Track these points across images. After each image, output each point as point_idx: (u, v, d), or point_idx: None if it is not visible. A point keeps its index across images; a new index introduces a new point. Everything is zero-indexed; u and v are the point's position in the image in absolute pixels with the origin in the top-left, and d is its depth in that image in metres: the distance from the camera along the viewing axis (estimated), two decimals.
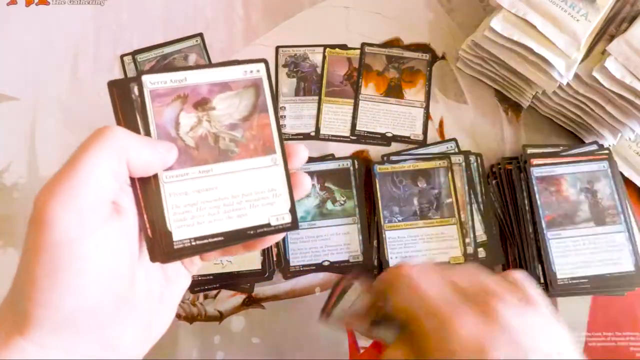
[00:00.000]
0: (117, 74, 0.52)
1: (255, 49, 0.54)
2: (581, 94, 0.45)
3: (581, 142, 0.50)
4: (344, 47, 0.53)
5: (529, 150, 0.47)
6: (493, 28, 0.44)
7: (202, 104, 0.25)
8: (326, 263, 0.45)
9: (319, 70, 0.53)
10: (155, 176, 0.24)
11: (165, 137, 0.25)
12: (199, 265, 0.30)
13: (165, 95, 0.25)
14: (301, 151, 0.27)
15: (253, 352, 0.43)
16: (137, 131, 0.25)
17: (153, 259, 0.24)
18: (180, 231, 0.24)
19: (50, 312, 0.21)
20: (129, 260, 0.23)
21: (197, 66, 0.26)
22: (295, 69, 0.53)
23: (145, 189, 0.24)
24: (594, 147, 0.47)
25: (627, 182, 0.47)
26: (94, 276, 0.21)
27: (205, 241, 0.25)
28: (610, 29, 0.44)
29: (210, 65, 0.26)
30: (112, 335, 0.23)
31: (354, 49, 0.53)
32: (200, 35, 0.53)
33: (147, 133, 0.25)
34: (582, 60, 0.43)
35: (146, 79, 0.25)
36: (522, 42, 0.43)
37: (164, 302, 0.27)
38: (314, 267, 0.45)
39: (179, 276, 0.28)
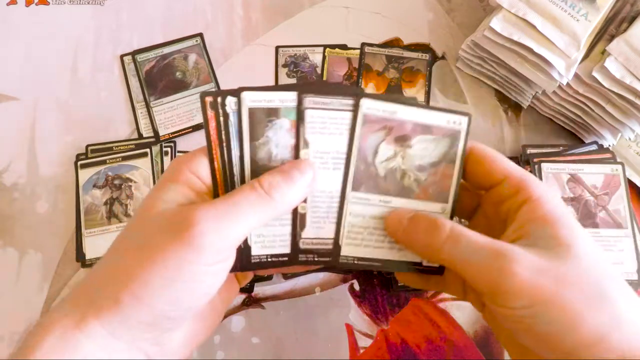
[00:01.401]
0: (117, 74, 0.52)
1: (255, 49, 0.54)
2: (581, 94, 0.45)
3: (581, 142, 0.50)
4: (344, 47, 0.53)
5: (529, 150, 0.47)
6: (493, 28, 0.44)
7: (402, 140, 0.27)
8: None
9: (318, 70, 0.53)
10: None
11: (362, 160, 0.27)
12: (249, 279, 0.31)
13: (375, 122, 0.26)
14: None
15: (253, 352, 0.43)
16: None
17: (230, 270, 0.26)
18: (346, 248, 0.27)
19: (143, 309, 0.22)
20: (222, 284, 0.25)
21: (408, 102, 0.26)
22: (295, 69, 0.53)
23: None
24: (594, 147, 0.47)
25: (628, 182, 0.47)
26: (198, 296, 0.23)
27: (365, 262, 0.27)
28: (610, 29, 0.44)
29: (419, 105, 0.27)
30: (166, 335, 0.25)
31: (354, 49, 0.53)
32: (200, 35, 0.53)
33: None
34: (582, 60, 0.43)
35: (363, 102, 0.26)
36: (522, 42, 0.43)
37: (213, 310, 0.28)
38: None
39: (230, 287, 0.30)
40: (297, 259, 0.27)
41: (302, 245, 0.27)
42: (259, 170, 0.26)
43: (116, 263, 0.23)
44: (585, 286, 0.22)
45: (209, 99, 0.26)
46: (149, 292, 0.22)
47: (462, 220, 0.31)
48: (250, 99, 0.26)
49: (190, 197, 0.25)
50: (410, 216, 0.26)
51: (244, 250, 0.27)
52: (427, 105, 0.27)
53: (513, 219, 0.25)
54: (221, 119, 0.26)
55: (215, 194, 0.26)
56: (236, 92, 0.26)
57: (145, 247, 0.22)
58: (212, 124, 0.26)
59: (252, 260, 0.27)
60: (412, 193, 0.27)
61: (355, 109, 0.26)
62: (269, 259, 0.27)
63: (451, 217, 0.27)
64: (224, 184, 0.26)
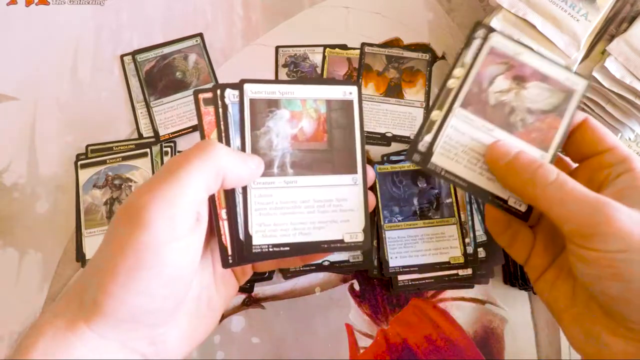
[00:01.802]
0: (117, 74, 0.52)
1: (255, 49, 0.54)
2: None
3: None
4: (343, 47, 0.53)
5: None
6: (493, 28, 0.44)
7: (519, 80, 0.28)
8: (326, 263, 0.45)
9: (318, 70, 0.53)
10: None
11: (476, 84, 0.28)
12: (248, 276, 0.31)
13: (499, 56, 0.28)
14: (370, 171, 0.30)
15: (253, 352, 0.43)
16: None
17: (225, 265, 0.26)
18: (438, 157, 0.28)
19: (119, 306, 0.22)
20: (194, 266, 0.24)
21: (534, 50, 0.28)
22: (295, 69, 0.53)
23: (232, 198, 0.26)
24: None
25: None
26: (167, 280, 0.23)
27: (451, 177, 0.28)
28: (610, 29, 0.44)
29: (543, 56, 0.28)
30: (161, 334, 0.24)
31: (354, 49, 0.53)
32: (200, 35, 0.53)
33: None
34: (582, 60, 0.43)
35: (492, 35, 0.28)
36: (521, 42, 0.43)
37: (211, 308, 0.28)
38: (314, 267, 0.45)
39: (228, 285, 0.29)
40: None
41: None
42: None
43: (94, 263, 0.23)
44: None
45: (202, 96, 0.27)
46: (118, 287, 0.22)
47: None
48: (252, 90, 0.27)
49: None
50: (516, 152, 0.26)
51: (245, 240, 0.26)
52: (551, 58, 0.28)
53: (611, 184, 0.25)
54: (220, 110, 0.27)
55: None
56: (237, 85, 0.27)
57: (110, 243, 0.23)
58: (207, 119, 0.27)
59: (254, 250, 0.26)
60: (516, 130, 0.27)
61: (484, 38, 0.28)
62: (271, 249, 0.27)
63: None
64: None
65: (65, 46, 0.53)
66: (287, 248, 0.27)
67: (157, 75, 0.52)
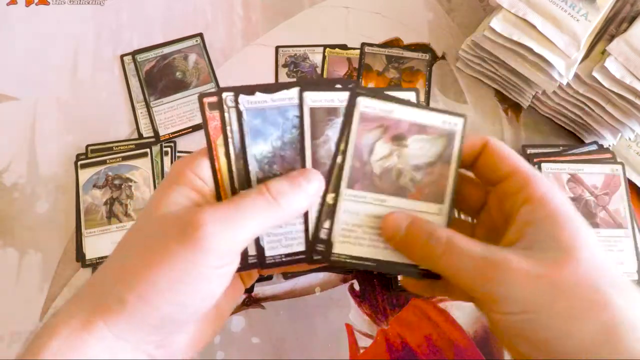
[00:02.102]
0: (117, 74, 0.52)
1: (255, 49, 0.54)
2: (581, 94, 0.45)
3: (581, 142, 0.50)
4: (344, 47, 0.53)
5: (529, 150, 0.47)
6: (493, 28, 0.44)
7: (398, 139, 0.27)
8: None
9: (319, 70, 0.53)
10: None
11: (357, 158, 0.26)
12: (254, 280, 0.31)
13: (371, 121, 0.26)
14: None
15: (253, 352, 0.43)
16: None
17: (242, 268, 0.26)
18: (339, 246, 0.26)
19: (149, 311, 0.22)
20: (227, 285, 0.24)
21: (404, 102, 0.27)
22: (295, 69, 0.53)
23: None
24: (594, 147, 0.47)
25: (628, 182, 0.47)
26: (203, 298, 0.23)
27: (358, 262, 0.27)
28: (610, 29, 0.44)
29: (415, 104, 0.27)
30: (171, 338, 0.25)
31: (354, 49, 0.53)
32: (200, 35, 0.53)
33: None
34: (582, 60, 0.43)
35: (360, 100, 0.26)
36: (522, 42, 0.43)
37: (219, 312, 0.28)
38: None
39: (235, 288, 0.30)
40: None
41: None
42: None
43: (122, 264, 0.23)
44: (581, 292, 0.21)
45: (207, 100, 0.26)
46: (155, 294, 0.22)
47: (469, 218, 0.31)
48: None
49: (194, 199, 0.25)
50: (407, 224, 0.25)
51: (325, 248, 0.26)
52: (423, 105, 0.27)
53: (514, 219, 0.24)
54: (228, 115, 0.26)
55: (217, 194, 0.26)
56: (249, 90, 0.26)
57: (151, 249, 0.22)
58: (212, 124, 0.26)
59: (332, 258, 0.26)
60: (408, 192, 0.27)
61: (350, 107, 0.26)
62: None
63: (448, 218, 0.27)
64: (230, 182, 0.26)
65: (65, 46, 0.53)
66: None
67: (157, 75, 0.52)
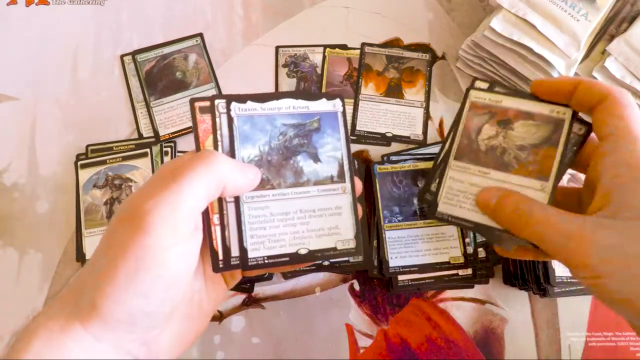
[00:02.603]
0: (117, 74, 0.52)
1: (255, 49, 0.54)
2: None
3: None
4: (344, 47, 0.53)
5: None
6: (493, 28, 0.44)
7: (505, 123, 0.30)
8: (326, 263, 0.45)
9: (319, 70, 0.53)
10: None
11: (466, 137, 0.30)
12: (237, 280, 0.31)
13: (480, 108, 0.31)
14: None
15: (253, 352, 0.43)
16: None
17: (216, 269, 0.27)
18: (443, 206, 0.30)
19: (117, 308, 0.22)
20: (192, 271, 0.25)
21: (514, 93, 0.30)
22: (295, 69, 0.53)
23: (224, 206, 0.27)
24: None
25: None
26: (166, 284, 0.23)
27: (458, 221, 0.30)
28: (610, 29, 0.44)
29: (524, 95, 0.30)
30: (154, 335, 0.25)
31: (354, 49, 0.53)
32: (200, 35, 0.53)
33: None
34: (582, 60, 0.43)
35: (471, 92, 0.31)
36: (522, 42, 0.43)
37: (202, 311, 0.28)
38: (314, 267, 0.45)
39: (218, 288, 0.30)
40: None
41: None
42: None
43: (92, 265, 0.24)
44: None
45: (199, 104, 0.28)
46: (117, 289, 0.22)
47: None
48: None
49: None
50: (498, 196, 0.28)
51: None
52: (531, 95, 0.30)
53: (600, 177, 0.25)
54: (219, 120, 0.28)
55: None
56: (241, 98, 0.28)
57: (111, 246, 0.23)
58: (202, 127, 0.28)
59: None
60: (511, 168, 0.29)
61: (464, 97, 0.31)
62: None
63: (552, 194, 0.28)
64: None
65: (65, 46, 0.53)
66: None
67: (157, 75, 0.52)
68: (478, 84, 0.31)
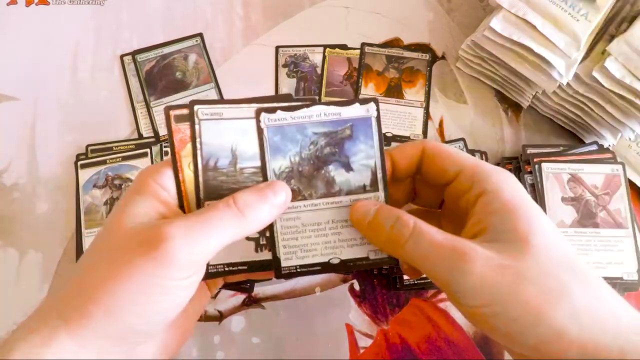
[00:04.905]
0: (117, 74, 0.52)
1: (255, 49, 0.54)
2: (581, 94, 0.45)
3: (581, 142, 0.50)
4: (344, 47, 0.53)
5: (529, 150, 0.47)
6: (493, 28, 0.44)
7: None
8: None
9: (318, 70, 0.53)
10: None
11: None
12: (219, 286, 0.32)
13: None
14: None
15: (253, 352, 0.43)
16: None
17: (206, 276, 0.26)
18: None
19: (110, 321, 0.22)
20: (191, 297, 0.25)
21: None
22: (295, 69, 0.53)
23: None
24: (594, 147, 0.47)
25: (628, 182, 0.47)
26: (165, 310, 0.23)
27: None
28: (610, 29, 0.44)
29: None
30: (138, 348, 0.25)
31: (354, 49, 0.53)
32: (200, 35, 0.53)
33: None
34: (582, 60, 0.43)
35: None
36: (521, 42, 0.43)
37: (186, 319, 0.28)
38: (319, 268, 0.45)
39: (201, 295, 0.30)
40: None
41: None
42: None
43: (85, 277, 0.23)
44: (543, 281, 0.21)
45: (174, 113, 0.26)
46: (118, 305, 0.22)
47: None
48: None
49: (159, 210, 0.25)
50: (376, 208, 0.26)
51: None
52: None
53: (471, 214, 0.24)
54: (198, 128, 0.27)
55: (181, 206, 0.26)
56: (270, 110, 0.27)
57: (115, 262, 0.22)
58: (178, 136, 0.26)
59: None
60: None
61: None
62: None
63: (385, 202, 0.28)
64: (196, 194, 0.26)
65: (65, 46, 0.53)
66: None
67: (157, 75, 0.52)
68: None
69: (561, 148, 0.47)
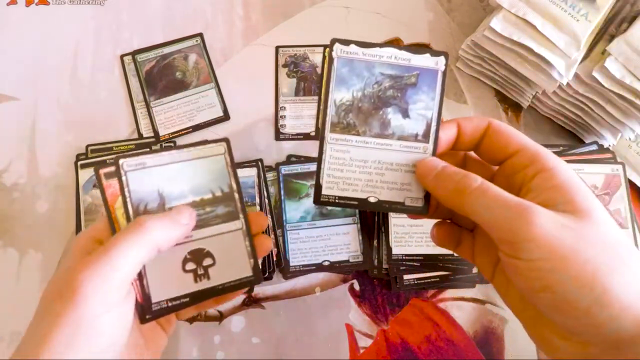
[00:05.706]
0: (117, 74, 0.52)
1: (255, 49, 0.54)
2: (581, 94, 0.45)
3: (581, 142, 0.50)
4: None
5: None
6: (493, 28, 0.44)
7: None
8: (326, 263, 0.45)
9: (318, 70, 0.53)
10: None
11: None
12: (173, 325, 0.33)
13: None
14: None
15: (253, 352, 0.43)
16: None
17: (143, 321, 0.29)
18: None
19: None
20: (127, 330, 0.27)
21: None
22: (295, 69, 0.53)
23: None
24: (594, 147, 0.47)
25: (628, 182, 0.47)
26: (103, 347, 0.25)
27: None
28: (610, 29, 0.44)
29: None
30: None
31: None
32: (200, 35, 0.53)
33: None
34: (582, 60, 0.43)
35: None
36: (522, 42, 0.43)
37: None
38: (314, 267, 0.45)
39: (156, 337, 0.31)
40: None
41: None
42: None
43: (29, 338, 0.25)
44: (602, 248, 0.22)
45: (103, 171, 0.29)
46: (57, 348, 0.24)
47: None
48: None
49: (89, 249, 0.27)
50: (445, 164, 0.27)
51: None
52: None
53: (528, 189, 0.25)
54: (125, 179, 0.29)
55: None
56: (344, 42, 0.28)
57: (43, 319, 0.25)
58: (109, 191, 0.29)
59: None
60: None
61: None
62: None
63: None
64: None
65: (65, 46, 0.53)
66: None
67: (157, 75, 0.52)
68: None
69: (561, 148, 0.47)
